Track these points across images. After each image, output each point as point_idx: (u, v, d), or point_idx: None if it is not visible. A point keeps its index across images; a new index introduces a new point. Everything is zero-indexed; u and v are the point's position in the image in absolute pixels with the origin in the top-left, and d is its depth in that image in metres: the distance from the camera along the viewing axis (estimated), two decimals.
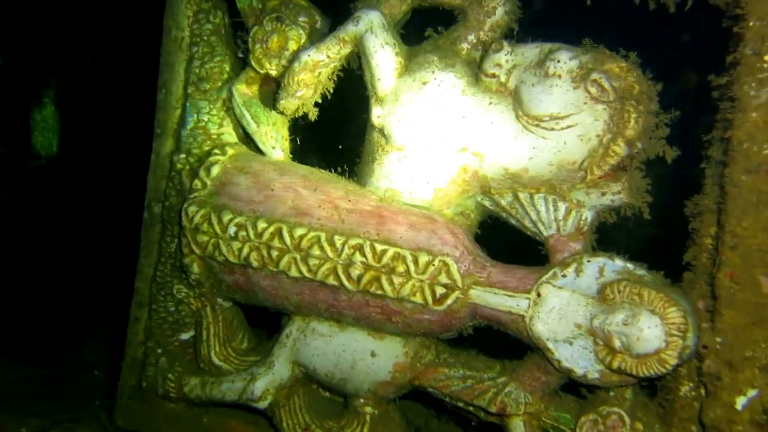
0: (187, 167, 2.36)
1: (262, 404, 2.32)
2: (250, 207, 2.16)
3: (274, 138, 2.33)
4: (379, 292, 2.00)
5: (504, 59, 1.91)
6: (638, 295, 1.77)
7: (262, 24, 2.21)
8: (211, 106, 2.38)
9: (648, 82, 1.81)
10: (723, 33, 1.81)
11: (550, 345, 1.90)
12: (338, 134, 2.76)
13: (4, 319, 4.33)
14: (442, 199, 2.05)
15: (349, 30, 2.07)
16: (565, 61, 1.82)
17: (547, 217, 1.97)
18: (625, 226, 1.98)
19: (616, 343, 1.77)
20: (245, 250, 2.12)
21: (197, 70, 2.39)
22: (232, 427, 2.48)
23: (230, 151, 2.31)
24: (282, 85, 2.17)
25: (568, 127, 1.85)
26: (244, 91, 2.32)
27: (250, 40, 2.23)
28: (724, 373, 1.81)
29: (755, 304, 1.76)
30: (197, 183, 2.25)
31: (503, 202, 2.02)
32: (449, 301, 1.97)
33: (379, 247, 2.00)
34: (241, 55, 2.37)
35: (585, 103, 1.81)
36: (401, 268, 1.98)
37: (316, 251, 2.05)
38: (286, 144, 2.36)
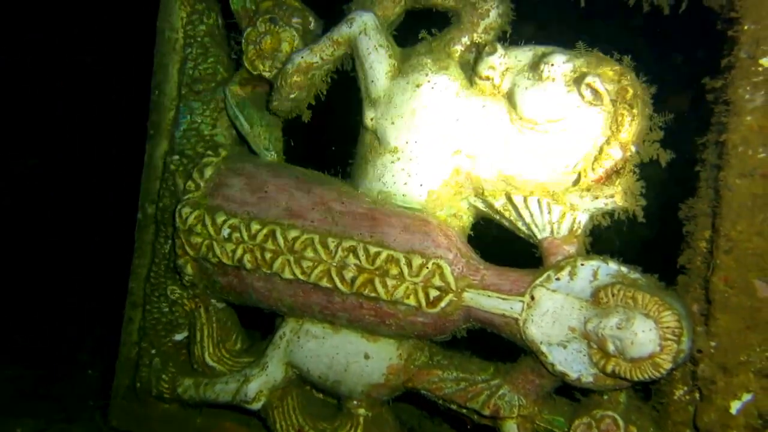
0: (181, 168, 2.36)
1: (256, 405, 2.32)
2: (244, 208, 2.16)
3: (267, 139, 2.33)
4: (372, 294, 2.00)
5: (497, 62, 1.90)
6: (632, 298, 1.75)
7: (256, 25, 2.21)
8: (205, 107, 2.38)
9: (642, 85, 1.80)
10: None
11: (543, 348, 1.89)
12: (331, 136, 2.75)
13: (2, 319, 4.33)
14: (436, 201, 2.04)
15: (343, 32, 2.07)
16: (559, 64, 1.81)
17: (540, 220, 1.95)
18: (619, 228, 1.97)
19: (610, 347, 1.76)
20: (239, 252, 2.12)
21: (191, 72, 2.39)
22: (226, 428, 2.49)
23: (223, 153, 2.31)
24: (275, 86, 2.17)
25: (562, 130, 1.84)
26: (238, 92, 2.31)
27: (243, 41, 2.23)
28: (718, 377, 1.80)
29: (750, 308, 1.75)
30: (191, 184, 2.25)
31: (497, 205, 2.00)
32: (443, 304, 1.96)
33: (372, 250, 2.00)
34: (234, 57, 2.37)
35: (579, 107, 1.80)
36: (395, 271, 1.98)
37: (309, 253, 2.05)
38: (280, 145, 2.37)
